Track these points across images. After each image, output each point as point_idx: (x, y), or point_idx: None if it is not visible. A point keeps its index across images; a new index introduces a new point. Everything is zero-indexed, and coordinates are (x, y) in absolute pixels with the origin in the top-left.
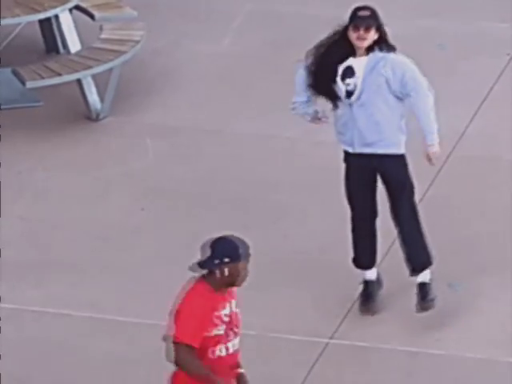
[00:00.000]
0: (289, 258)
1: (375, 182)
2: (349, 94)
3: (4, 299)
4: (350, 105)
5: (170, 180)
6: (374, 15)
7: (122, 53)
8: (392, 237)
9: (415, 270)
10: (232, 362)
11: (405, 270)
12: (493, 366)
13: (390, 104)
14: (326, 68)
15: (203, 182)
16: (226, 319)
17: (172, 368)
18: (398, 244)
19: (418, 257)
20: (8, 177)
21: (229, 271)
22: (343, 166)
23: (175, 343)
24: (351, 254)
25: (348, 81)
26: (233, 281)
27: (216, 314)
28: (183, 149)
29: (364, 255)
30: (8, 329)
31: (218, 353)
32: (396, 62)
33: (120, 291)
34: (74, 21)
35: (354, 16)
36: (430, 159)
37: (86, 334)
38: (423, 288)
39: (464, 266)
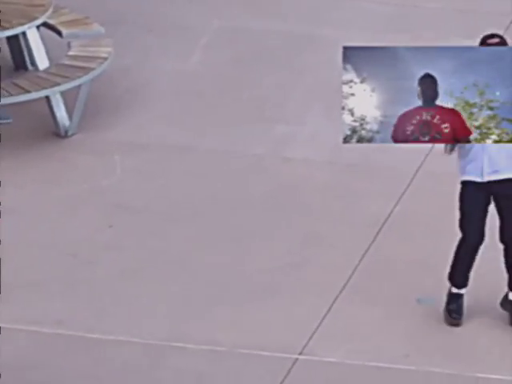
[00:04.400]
0: (256, 275)
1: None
2: None
3: None
4: None
5: (137, 197)
6: (504, 42)
7: (90, 69)
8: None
9: None
10: None
11: (374, 284)
12: (462, 381)
13: None
14: None
15: (170, 198)
16: None
17: None
18: (367, 258)
19: None
20: None
21: None
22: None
23: None
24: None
25: None
26: None
27: None
28: (150, 166)
29: (463, 274)
30: None
31: None
32: None
33: (87, 308)
34: (42, 38)
35: (485, 44)
36: None
37: (53, 350)
38: None
39: (432, 282)
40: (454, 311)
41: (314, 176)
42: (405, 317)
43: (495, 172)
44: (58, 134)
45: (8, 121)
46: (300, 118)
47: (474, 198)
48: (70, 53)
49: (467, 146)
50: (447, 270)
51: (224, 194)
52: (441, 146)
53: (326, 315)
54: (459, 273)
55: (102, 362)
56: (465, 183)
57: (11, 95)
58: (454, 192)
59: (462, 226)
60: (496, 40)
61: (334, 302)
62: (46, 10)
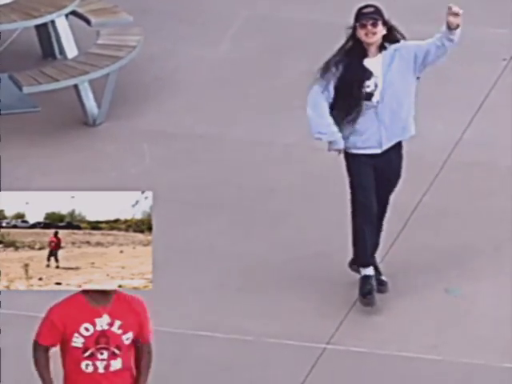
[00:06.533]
0: (286, 263)
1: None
2: (368, 95)
3: (2, 304)
4: (374, 106)
5: (166, 186)
6: (378, 11)
7: (118, 58)
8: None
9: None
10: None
11: (402, 274)
12: (489, 371)
13: (410, 91)
14: (350, 84)
15: (200, 187)
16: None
17: None
18: (395, 248)
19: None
20: (5, 183)
21: None
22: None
23: None
24: (348, 258)
25: (367, 83)
26: None
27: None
28: (180, 154)
29: (367, 252)
30: (6, 333)
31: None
32: (404, 43)
33: None
34: (71, 26)
35: (359, 14)
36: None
37: None
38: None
39: (460, 272)
40: (367, 293)
41: (342, 166)
42: (433, 307)
43: (390, 141)
44: (86, 122)
45: (36, 109)
46: None
47: (369, 169)
48: (99, 41)
49: (360, 121)
50: (476, 260)
51: (253, 182)
52: (472, 138)
53: (354, 305)
54: (364, 250)
55: None
56: (356, 156)
57: (39, 83)
58: (483, 182)
59: (359, 200)
60: (371, 9)
61: None
62: None
